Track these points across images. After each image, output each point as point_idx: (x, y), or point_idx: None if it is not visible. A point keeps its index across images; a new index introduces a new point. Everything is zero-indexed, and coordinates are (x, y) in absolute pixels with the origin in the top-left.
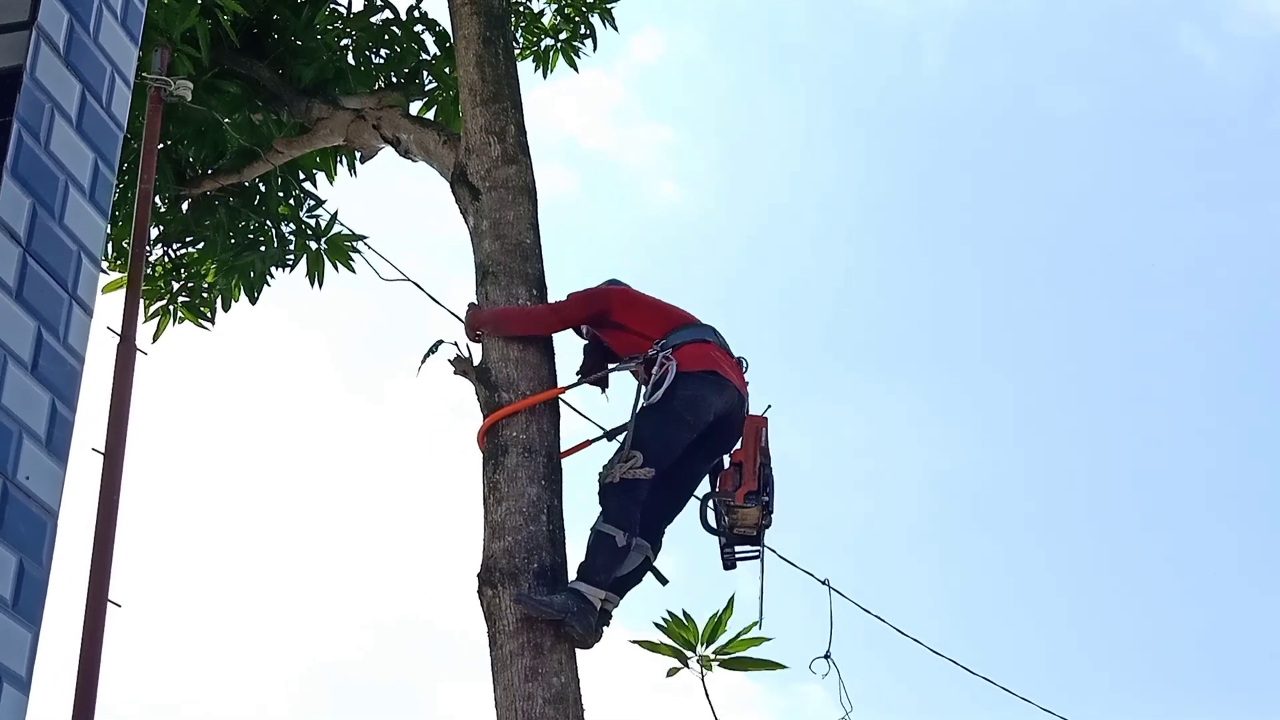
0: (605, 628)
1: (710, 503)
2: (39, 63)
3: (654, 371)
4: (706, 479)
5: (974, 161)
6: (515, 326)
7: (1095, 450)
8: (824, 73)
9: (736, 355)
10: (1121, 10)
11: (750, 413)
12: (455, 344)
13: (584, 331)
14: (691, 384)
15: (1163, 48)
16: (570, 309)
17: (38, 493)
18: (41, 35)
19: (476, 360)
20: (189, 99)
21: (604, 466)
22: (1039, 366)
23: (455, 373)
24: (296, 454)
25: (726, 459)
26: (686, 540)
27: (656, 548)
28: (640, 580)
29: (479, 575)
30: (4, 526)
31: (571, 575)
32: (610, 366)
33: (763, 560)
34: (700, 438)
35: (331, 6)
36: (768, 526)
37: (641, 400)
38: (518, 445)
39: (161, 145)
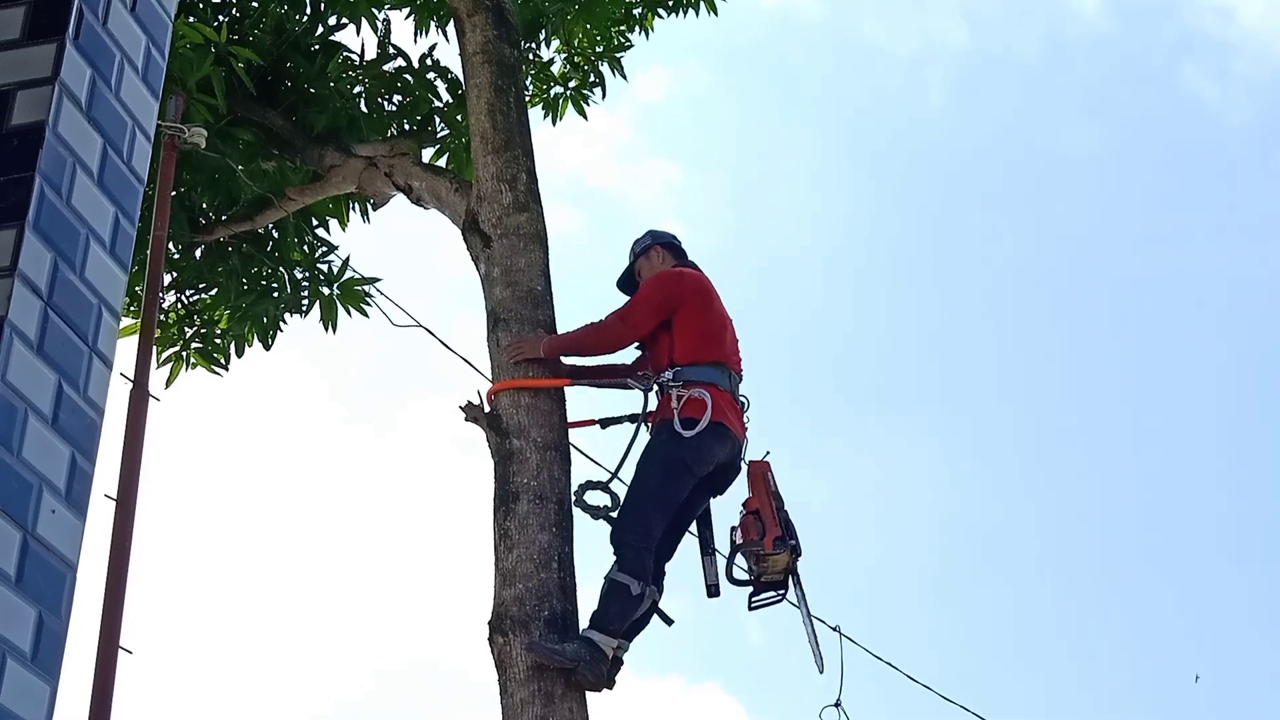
0: (616, 675)
1: (737, 556)
2: (61, 118)
3: (659, 398)
4: (694, 525)
5: (978, 199)
6: (591, 350)
7: (1105, 493)
8: (828, 109)
9: (740, 397)
10: (1124, 50)
11: (750, 459)
12: (479, 393)
13: None
14: (700, 434)
15: (1167, 88)
16: (643, 315)
17: (57, 545)
18: (64, 91)
19: (487, 408)
20: (203, 146)
21: (618, 515)
22: (1047, 407)
23: (466, 419)
24: (305, 497)
25: (741, 509)
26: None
27: (659, 589)
28: (648, 624)
29: (490, 623)
30: (24, 579)
31: (583, 623)
32: (614, 385)
33: (803, 595)
34: (699, 482)
35: (344, 54)
36: (794, 568)
37: (647, 433)
38: (529, 492)
39: (175, 192)
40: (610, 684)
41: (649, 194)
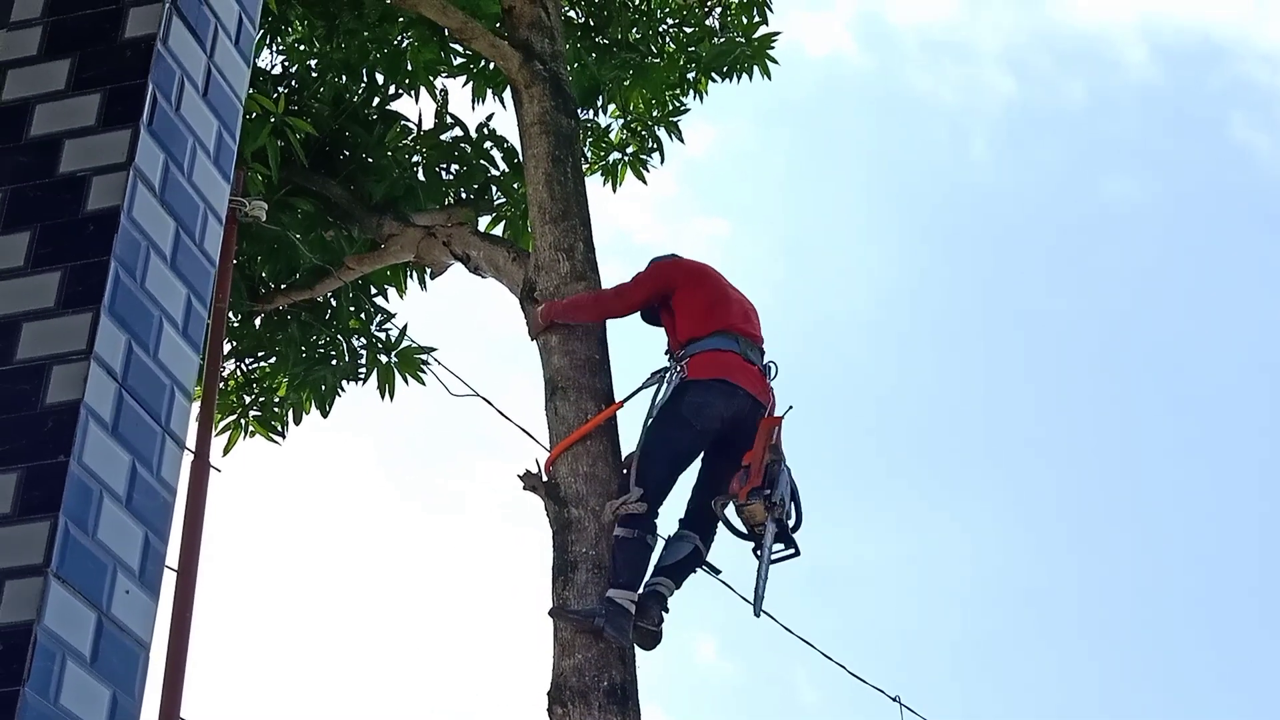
0: (665, 613)
1: (730, 506)
2: (136, 203)
3: (669, 379)
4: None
5: (1024, 252)
6: (585, 314)
7: (1152, 559)
8: (875, 163)
9: (765, 361)
10: (1171, 99)
11: (768, 415)
12: (537, 461)
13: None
14: (699, 390)
15: (1215, 137)
16: (635, 290)
17: (131, 626)
18: (138, 176)
19: (545, 477)
20: (264, 219)
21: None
22: (1094, 468)
23: (524, 488)
24: (358, 564)
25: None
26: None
27: (708, 540)
28: (696, 567)
29: (549, 694)
30: (99, 660)
31: (641, 693)
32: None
33: (768, 551)
34: (722, 442)
35: (402, 124)
36: (788, 521)
37: (654, 407)
38: (587, 561)
39: (235, 262)
40: (653, 639)
41: (695, 250)
